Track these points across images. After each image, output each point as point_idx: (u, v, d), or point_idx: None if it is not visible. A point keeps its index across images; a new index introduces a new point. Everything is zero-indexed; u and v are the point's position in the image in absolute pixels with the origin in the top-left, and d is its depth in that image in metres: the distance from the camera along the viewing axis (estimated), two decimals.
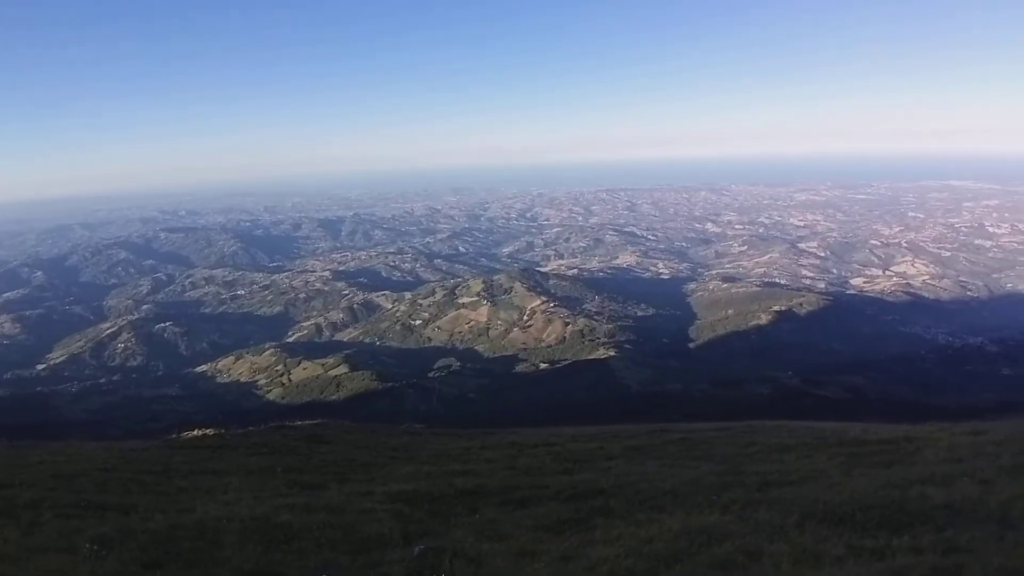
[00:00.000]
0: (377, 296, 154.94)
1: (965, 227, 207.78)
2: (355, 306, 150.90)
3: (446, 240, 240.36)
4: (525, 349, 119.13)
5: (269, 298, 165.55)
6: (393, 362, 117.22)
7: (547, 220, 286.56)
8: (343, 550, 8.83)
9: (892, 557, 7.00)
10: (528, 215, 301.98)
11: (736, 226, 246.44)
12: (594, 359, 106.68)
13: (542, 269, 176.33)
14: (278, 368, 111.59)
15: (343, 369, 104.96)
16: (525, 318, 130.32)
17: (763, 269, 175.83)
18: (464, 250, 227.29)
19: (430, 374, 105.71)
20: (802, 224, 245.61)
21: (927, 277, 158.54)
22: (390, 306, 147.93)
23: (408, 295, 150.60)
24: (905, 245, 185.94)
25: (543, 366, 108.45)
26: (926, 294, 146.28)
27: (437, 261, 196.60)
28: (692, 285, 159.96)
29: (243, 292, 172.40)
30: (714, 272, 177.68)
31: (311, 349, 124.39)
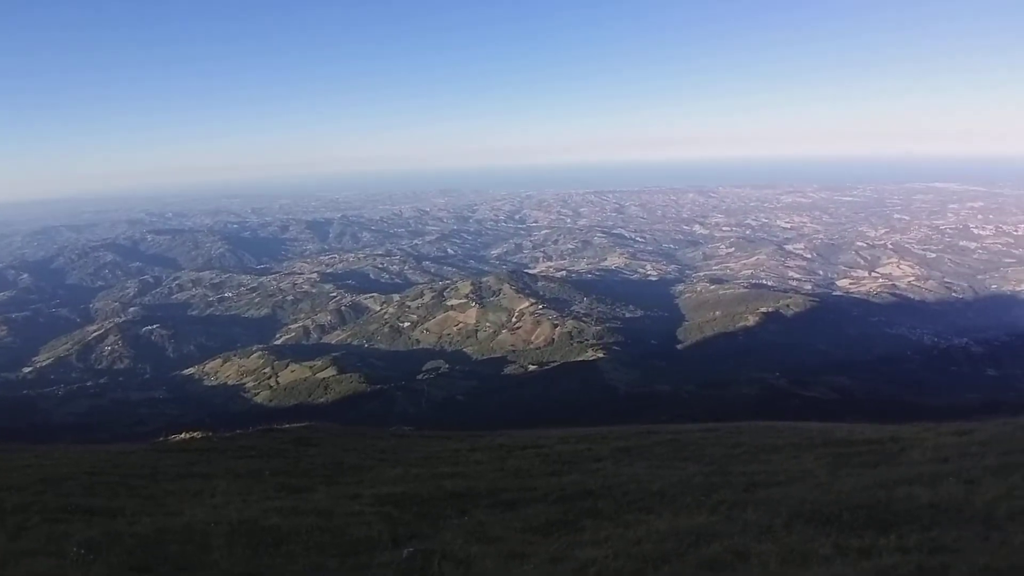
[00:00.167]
0: (365, 298, 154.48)
1: (950, 229, 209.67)
2: (343, 308, 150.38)
3: (434, 242, 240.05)
4: (514, 351, 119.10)
5: (256, 300, 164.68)
6: (381, 364, 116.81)
7: (535, 222, 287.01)
8: (332, 553, 8.81)
9: (879, 556, 7.05)
10: (516, 217, 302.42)
11: (724, 228, 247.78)
12: (582, 361, 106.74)
13: (530, 271, 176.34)
14: (266, 371, 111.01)
15: (331, 372, 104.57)
16: (514, 320, 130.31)
17: (750, 271, 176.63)
18: (452, 252, 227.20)
19: (419, 376, 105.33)
20: (789, 226, 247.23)
21: (912, 278, 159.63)
22: (378, 308, 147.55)
23: (396, 297, 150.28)
24: (891, 247, 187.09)
25: (532, 368, 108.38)
26: (911, 295, 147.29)
27: (425, 263, 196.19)
28: (680, 287, 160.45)
29: (230, 294, 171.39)
30: (702, 274, 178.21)
31: (299, 351, 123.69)
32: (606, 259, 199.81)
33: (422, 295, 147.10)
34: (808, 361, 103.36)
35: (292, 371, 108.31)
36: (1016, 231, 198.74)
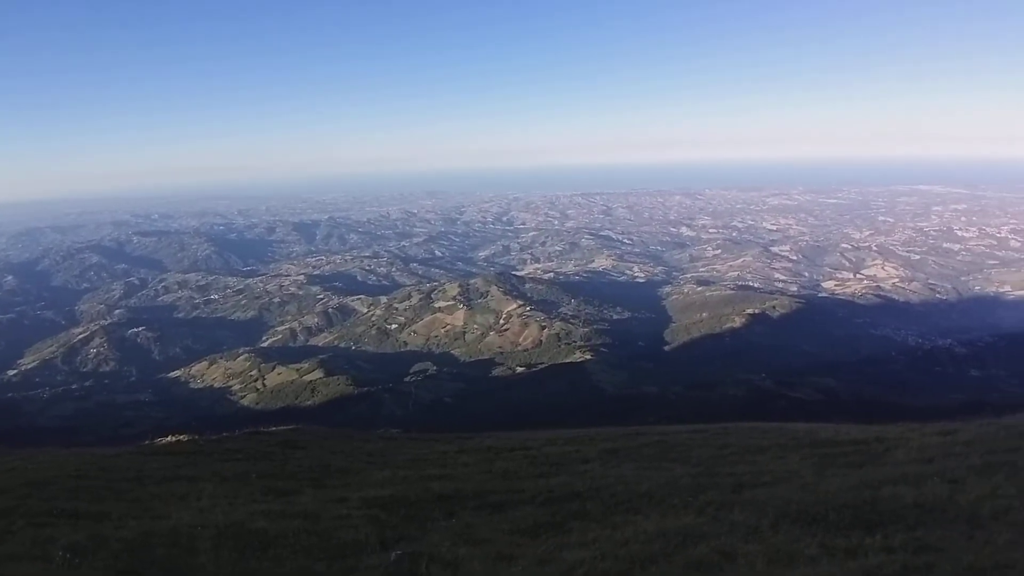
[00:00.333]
0: (352, 300, 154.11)
1: (934, 231, 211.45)
2: (330, 310, 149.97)
3: (422, 244, 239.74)
4: (502, 353, 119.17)
5: (243, 302, 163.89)
6: (369, 367, 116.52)
7: (523, 224, 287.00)
8: (319, 556, 8.77)
9: (865, 556, 7.10)
10: (504, 219, 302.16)
11: (710, 230, 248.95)
12: (570, 362, 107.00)
13: (518, 273, 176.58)
14: (252, 373, 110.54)
15: (318, 374, 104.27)
16: (501, 322, 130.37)
17: (737, 272, 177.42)
18: (440, 254, 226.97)
19: (406, 379, 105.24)
20: (775, 228, 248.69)
21: (897, 280, 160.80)
22: (366, 310, 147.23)
23: (384, 299, 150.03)
24: (875, 248, 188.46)
25: (519, 370, 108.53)
26: (896, 296, 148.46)
27: (413, 265, 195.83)
28: (667, 288, 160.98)
29: (216, 296, 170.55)
30: (689, 275, 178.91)
31: (285, 354, 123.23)
32: (593, 261, 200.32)
33: (410, 297, 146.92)
34: (794, 362, 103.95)
35: (279, 374, 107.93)
36: (999, 233, 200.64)
